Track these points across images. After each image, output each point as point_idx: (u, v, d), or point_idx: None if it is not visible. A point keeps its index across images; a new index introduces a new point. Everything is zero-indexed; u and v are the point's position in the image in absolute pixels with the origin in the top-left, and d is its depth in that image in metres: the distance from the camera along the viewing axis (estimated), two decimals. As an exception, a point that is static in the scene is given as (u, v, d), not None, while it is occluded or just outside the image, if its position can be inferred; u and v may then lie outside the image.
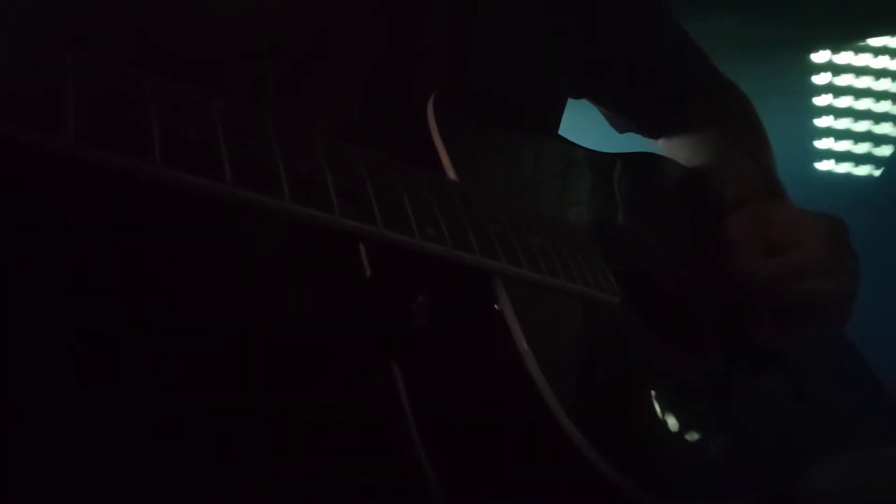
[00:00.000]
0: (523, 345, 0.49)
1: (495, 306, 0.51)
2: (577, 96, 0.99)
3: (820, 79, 2.81)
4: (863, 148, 2.82)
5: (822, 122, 2.84)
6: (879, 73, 2.77)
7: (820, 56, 2.80)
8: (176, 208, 0.52)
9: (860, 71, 2.79)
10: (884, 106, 2.78)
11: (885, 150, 2.80)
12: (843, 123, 2.82)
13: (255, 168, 0.40)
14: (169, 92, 0.39)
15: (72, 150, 0.33)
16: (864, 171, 2.83)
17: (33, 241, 0.55)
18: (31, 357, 0.56)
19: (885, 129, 2.79)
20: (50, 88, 0.35)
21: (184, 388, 0.59)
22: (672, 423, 0.60)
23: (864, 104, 2.79)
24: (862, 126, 2.81)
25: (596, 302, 0.61)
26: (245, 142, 0.41)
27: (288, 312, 0.61)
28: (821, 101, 2.83)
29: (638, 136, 1.10)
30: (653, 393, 0.61)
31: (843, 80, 2.79)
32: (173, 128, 0.38)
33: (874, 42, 2.76)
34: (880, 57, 2.76)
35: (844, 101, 2.81)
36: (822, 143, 2.85)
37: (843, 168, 2.84)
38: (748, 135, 1.01)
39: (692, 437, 0.62)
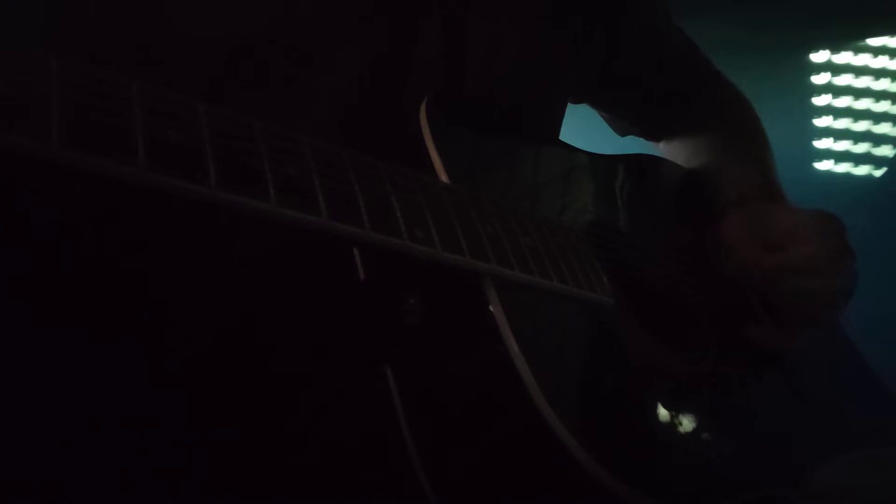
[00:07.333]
0: (514, 347, 0.49)
1: (488, 308, 0.51)
2: (577, 101, 0.99)
3: (819, 79, 2.81)
4: (862, 148, 2.82)
5: (821, 122, 2.84)
6: (879, 73, 2.77)
7: (819, 56, 2.80)
8: (165, 211, 0.52)
9: (859, 71, 2.78)
10: (883, 106, 2.78)
11: (884, 150, 2.80)
12: (843, 123, 2.82)
13: (240, 171, 0.40)
14: (155, 96, 0.39)
15: (55, 155, 0.33)
16: (863, 170, 2.83)
17: (16, 239, 0.55)
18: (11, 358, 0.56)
19: (884, 128, 2.79)
20: (34, 93, 0.35)
21: (172, 390, 0.59)
22: (667, 424, 0.60)
23: (864, 104, 2.79)
24: (861, 126, 2.81)
25: (589, 303, 0.61)
26: (231, 145, 0.41)
27: (280, 316, 0.61)
28: (820, 101, 2.82)
29: (638, 139, 1.10)
30: (647, 394, 0.61)
31: (843, 79, 2.79)
32: (158, 131, 0.38)
33: (873, 42, 2.75)
34: (879, 57, 2.75)
35: (843, 101, 2.80)
36: (821, 143, 2.85)
37: (843, 168, 2.84)
38: (748, 137, 1.01)
39: (689, 438, 0.62)
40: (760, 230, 0.79)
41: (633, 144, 1.02)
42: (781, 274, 0.75)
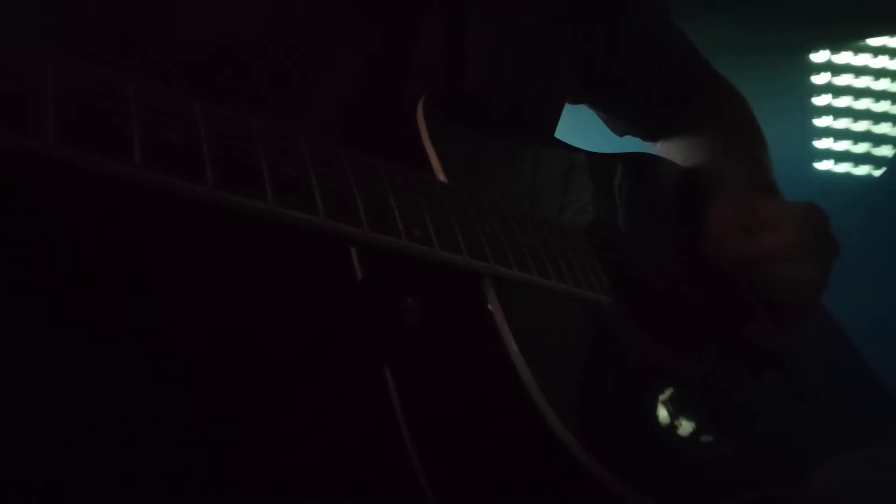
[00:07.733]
0: (513, 346, 0.49)
1: (487, 307, 0.51)
2: (577, 101, 0.99)
3: (819, 79, 2.80)
4: (862, 148, 2.81)
5: (821, 121, 2.83)
6: (878, 73, 2.76)
7: (819, 56, 2.79)
8: (164, 212, 0.52)
9: (859, 71, 2.78)
10: (883, 106, 2.77)
11: (884, 150, 2.79)
12: (843, 123, 2.81)
13: (238, 170, 0.40)
14: (152, 95, 0.39)
15: (51, 153, 0.33)
16: (863, 170, 2.82)
17: (16, 239, 0.55)
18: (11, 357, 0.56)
19: (884, 129, 2.78)
20: (31, 91, 0.35)
21: (172, 390, 0.59)
22: (667, 424, 0.60)
23: (864, 104, 2.78)
24: (861, 126, 2.80)
25: (589, 303, 0.61)
26: (228, 144, 0.41)
27: (279, 316, 0.61)
28: (820, 101, 2.82)
29: (635, 138, 1.10)
30: (647, 394, 0.61)
31: (843, 79, 2.79)
32: (155, 130, 0.38)
33: (873, 42, 2.75)
34: (879, 57, 2.75)
35: (843, 101, 2.80)
36: (821, 143, 2.84)
37: (843, 168, 2.83)
38: (747, 137, 1.02)
39: (689, 438, 0.61)
40: (744, 216, 0.78)
41: (631, 144, 1.03)
42: (756, 260, 0.75)
